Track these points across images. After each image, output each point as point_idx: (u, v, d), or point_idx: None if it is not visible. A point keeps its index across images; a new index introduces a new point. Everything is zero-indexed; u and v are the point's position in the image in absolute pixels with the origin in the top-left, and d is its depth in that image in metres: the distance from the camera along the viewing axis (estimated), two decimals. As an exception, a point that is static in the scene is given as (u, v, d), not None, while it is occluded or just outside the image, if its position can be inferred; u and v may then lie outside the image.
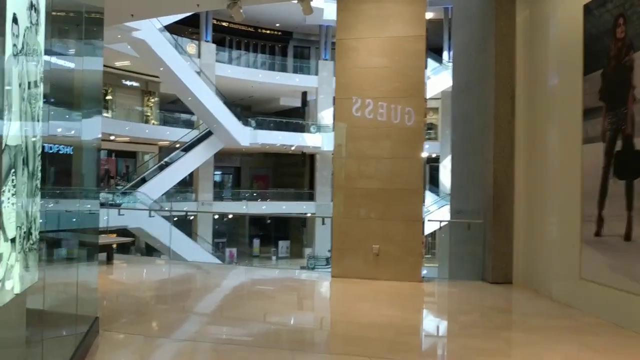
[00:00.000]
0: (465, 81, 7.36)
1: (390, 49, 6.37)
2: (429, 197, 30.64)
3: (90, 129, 3.91)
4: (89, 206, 4.00)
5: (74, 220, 3.75)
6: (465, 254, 7.12)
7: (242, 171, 39.81)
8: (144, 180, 23.28)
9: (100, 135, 4.32)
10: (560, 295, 5.44)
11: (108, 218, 11.81)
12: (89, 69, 3.87)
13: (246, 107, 33.34)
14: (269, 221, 34.86)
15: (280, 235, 35.90)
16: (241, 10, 7.01)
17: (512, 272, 6.39)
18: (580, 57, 5.07)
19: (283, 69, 31.82)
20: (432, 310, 5.76)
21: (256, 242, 35.30)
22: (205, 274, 7.53)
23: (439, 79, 30.08)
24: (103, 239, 7.48)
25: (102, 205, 20.32)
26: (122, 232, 24.48)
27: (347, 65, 6.52)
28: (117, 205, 20.53)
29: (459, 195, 7.29)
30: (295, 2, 7.14)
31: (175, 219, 26.11)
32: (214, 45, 27.95)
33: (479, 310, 5.30)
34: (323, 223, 8.28)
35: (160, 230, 21.31)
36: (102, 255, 7.51)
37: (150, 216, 12.88)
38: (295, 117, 32.86)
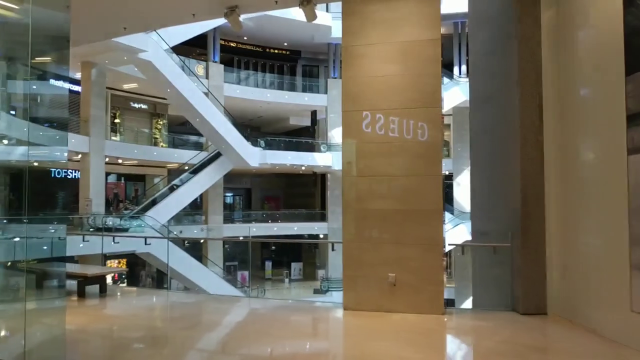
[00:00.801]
0: (484, 90, 6.73)
1: (403, 55, 5.78)
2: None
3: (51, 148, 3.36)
4: (52, 231, 3.42)
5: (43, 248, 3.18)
6: (491, 280, 6.41)
7: (252, 192, 39.45)
8: (154, 203, 22.84)
9: (65, 157, 3.76)
10: (607, 330, 4.71)
11: (101, 245, 11.25)
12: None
13: (255, 128, 33.05)
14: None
15: (293, 257, 35.28)
16: (240, 19, 6.50)
17: (546, 302, 5.67)
18: (620, 56, 4.43)
19: (292, 88, 31.57)
20: (459, 350, 5.02)
21: (268, 264, 34.71)
22: (204, 307, 6.87)
23: (450, 94, 29.57)
24: (94, 270, 6.90)
25: (107, 230, 19.89)
26: (132, 257, 24.06)
27: (355, 75, 5.94)
28: (124, 230, 20.07)
29: (481, 215, 6.60)
30: (298, 7, 6.58)
31: (187, 244, 25.62)
32: (222, 66, 27.75)
33: (513, 350, 4.56)
34: (333, 249, 7.59)
35: (170, 256, 20.74)
36: (95, 288, 6.91)
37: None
38: (305, 136, 32.46)
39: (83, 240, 10.26)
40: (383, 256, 5.73)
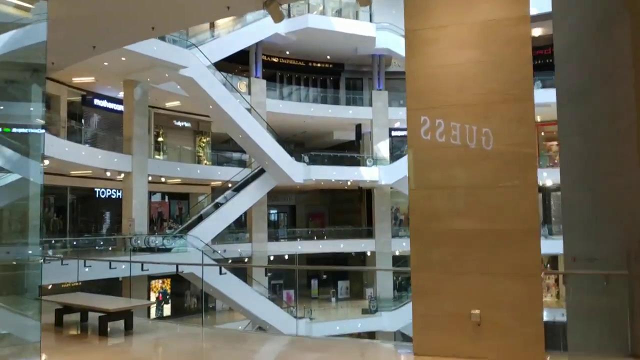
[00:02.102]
0: (578, 83, 5.54)
1: (482, 38, 4.68)
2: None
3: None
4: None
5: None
6: (597, 315, 5.14)
7: (297, 209, 38.86)
8: (198, 221, 22.36)
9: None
10: None
11: (137, 267, 10.53)
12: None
13: (299, 143, 32.43)
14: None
15: (340, 275, 34.17)
16: (281, 8, 5.62)
17: (678, 346, 4.38)
18: None
19: (335, 101, 30.84)
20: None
21: (314, 282, 33.75)
22: (245, 351, 5.79)
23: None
24: (117, 303, 6.05)
25: (150, 250, 19.43)
26: (176, 277, 23.62)
27: (422, 65, 4.88)
28: (167, 250, 19.55)
29: (581, 235, 5.35)
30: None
31: (230, 261, 24.97)
32: (264, 82, 27.29)
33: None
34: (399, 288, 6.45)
35: (213, 276, 20.12)
36: (120, 324, 6.04)
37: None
38: (349, 151, 31.56)
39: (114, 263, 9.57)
40: (464, 289, 4.59)
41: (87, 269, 14.51)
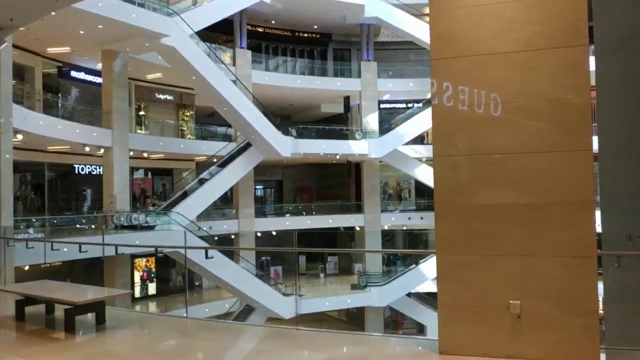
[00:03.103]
0: (619, 35, 4.75)
1: (523, -31, 3.84)
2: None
3: None
4: None
5: None
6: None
7: (284, 184, 38.18)
8: (182, 198, 21.48)
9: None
10: None
11: (124, 246, 9.73)
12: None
13: (285, 117, 31.47)
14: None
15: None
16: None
17: None
18: None
19: (323, 73, 29.87)
20: None
21: (302, 258, 33.20)
22: (222, 344, 4.98)
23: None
24: (86, 294, 5.20)
25: (132, 228, 18.52)
26: (160, 256, 22.79)
27: (448, 6, 4.03)
28: (151, 228, 18.66)
29: (627, 210, 4.62)
30: None
31: (216, 238, 24.19)
32: (249, 52, 26.16)
33: None
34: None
35: (198, 254, 19.35)
36: (92, 317, 5.19)
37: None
38: (337, 124, 30.73)
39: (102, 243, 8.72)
40: (501, 274, 3.82)
41: (65, 250, 13.65)
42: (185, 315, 5.65)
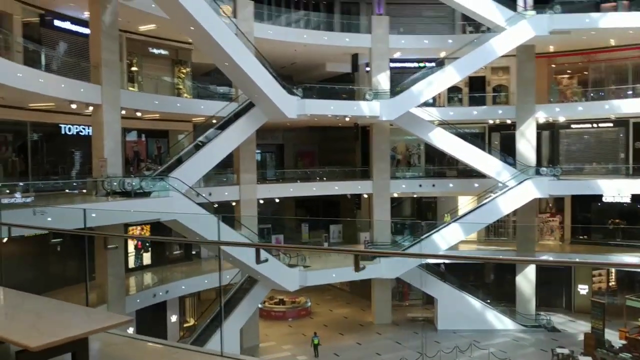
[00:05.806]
0: None
1: None
2: (505, 170, 26.03)
3: None
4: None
5: None
6: None
7: (285, 148, 36.30)
8: (179, 162, 19.66)
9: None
10: None
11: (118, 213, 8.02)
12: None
13: (287, 77, 29.23)
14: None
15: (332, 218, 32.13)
16: None
17: None
18: None
19: (329, 27, 27.55)
20: None
21: (305, 227, 31.74)
22: None
23: (515, 30, 25.18)
24: (43, 330, 3.14)
25: (126, 194, 16.77)
26: (156, 225, 21.06)
27: None
28: (146, 194, 16.87)
29: None
30: None
31: (216, 205, 22.51)
32: (252, 3, 23.91)
33: None
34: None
35: (199, 223, 17.72)
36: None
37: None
38: (344, 84, 28.70)
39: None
40: None
41: (48, 219, 11.98)
42: (220, 352, 3.84)
